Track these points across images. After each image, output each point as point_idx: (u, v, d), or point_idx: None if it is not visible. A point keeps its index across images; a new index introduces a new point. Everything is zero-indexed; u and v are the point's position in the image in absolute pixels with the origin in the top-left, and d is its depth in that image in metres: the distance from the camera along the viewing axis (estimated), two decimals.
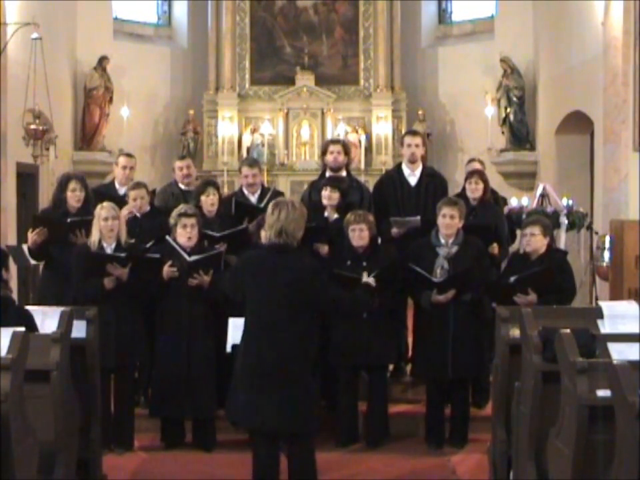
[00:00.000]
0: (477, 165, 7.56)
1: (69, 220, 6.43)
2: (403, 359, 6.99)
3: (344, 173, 7.09)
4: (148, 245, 6.33)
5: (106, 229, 6.00)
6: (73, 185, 6.56)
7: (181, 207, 6.20)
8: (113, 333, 5.89)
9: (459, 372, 6.12)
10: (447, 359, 6.08)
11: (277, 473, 4.93)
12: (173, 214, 6.16)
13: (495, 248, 6.68)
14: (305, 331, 4.81)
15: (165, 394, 6.10)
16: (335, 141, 7.72)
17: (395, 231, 6.68)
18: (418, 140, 7.09)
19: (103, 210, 6.02)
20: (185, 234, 6.07)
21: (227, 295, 5.24)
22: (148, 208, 6.79)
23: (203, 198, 6.63)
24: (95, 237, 6.02)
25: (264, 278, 4.79)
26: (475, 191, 6.88)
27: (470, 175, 7.03)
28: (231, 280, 5.08)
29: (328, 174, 7.05)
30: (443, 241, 6.20)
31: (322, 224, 6.48)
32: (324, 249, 6.39)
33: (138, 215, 6.70)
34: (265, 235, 5.16)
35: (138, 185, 6.84)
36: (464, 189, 6.97)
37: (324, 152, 7.19)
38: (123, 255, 5.96)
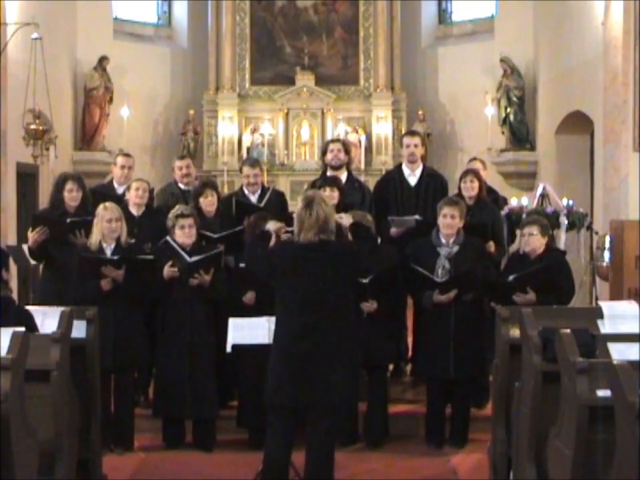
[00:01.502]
0: (477, 165, 7.55)
1: (68, 220, 6.42)
2: (402, 359, 6.99)
3: (345, 173, 7.09)
4: (149, 247, 6.33)
5: (109, 230, 5.99)
6: (69, 185, 6.55)
7: (177, 208, 6.18)
8: (112, 334, 5.88)
9: (461, 372, 6.12)
10: (449, 359, 6.08)
11: (286, 470, 4.87)
12: (169, 215, 6.15)
13: (491, 246, 6.68)
14: (345, 314, 4.84)
15: (167, 394, 6.10)
16: (334, 140, 7.77)
17: (393, 230, 6.69)
18: (417, 140, 7.09)
19: (107, 211, 6.00)
20: (183, 235, 6.07)
21: (252, 270, 5.10)
22: (144, 208, 6.80)
23: (201, 199, 6.66)
24: (95, 237, 6.01)
25: (305, 268, 4.72)
26: (469, 189, 6.87)
27: (465, 174, 7.01)
28: (263, 260, 4.95)
29: (329, 173, 7.05)
30: (443, 240, 6.20)
31: None
32: None
33: (136, 213, 6.71)
34: (295, 232, 4.99)
35: (140, 179, 6.95)
36: (460, 189, 6.96)
37: (324, 152, 7.20)
38: (115, 257, 5.94)
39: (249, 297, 6.15)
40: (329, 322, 4.74)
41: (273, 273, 4.88)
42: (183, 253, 6.04)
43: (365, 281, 5.95)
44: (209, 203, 6.65)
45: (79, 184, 6.60)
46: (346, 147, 7.22)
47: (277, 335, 4.89)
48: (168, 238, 6.16)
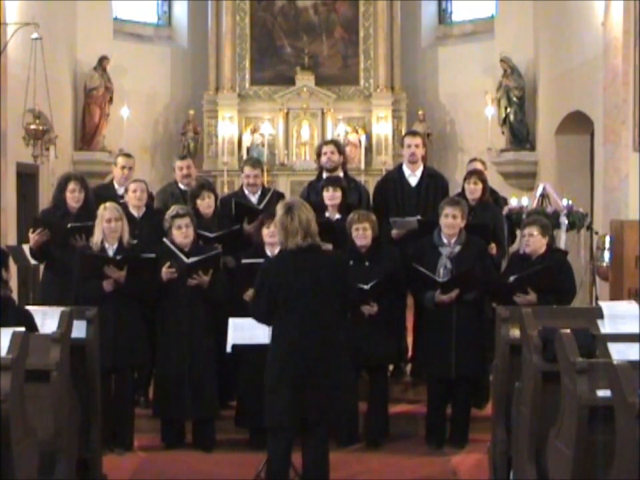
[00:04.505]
0: (478, 165, 7.55)
1: (69, 225, 6.41)
2: (402, 359, 6.99)
3: (341, 173, 7.08)
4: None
5: (109, 230, 5.99)
6: (72, 185, 6.56)
7: (173, 209, 6.18)
8: (111, 334, 5.87)
9: (462, 371, 6.12)
10: (450, 359, 6.08)
11: (288, 472, 4.91)
12: (166, 217, 6.15)
13: (492, 248, 6.68)
14: (340, 324, 4.83)
15: (167, 395, 6.10)
16: (327, 142, 7.71)
17: (394, 232, 6.68)
18: (418, 140, 7.08)
19: (107, 211, 6.00)
20: (180, 235, 6.06)
21: (262, 321, 5.01)
22: (144, 209, 6.79)
23: (198, 201, 6.65)
24: (97, 237, 6.01)
25: (299, 277, 4.71)
26: (473, 191, 6.88)
27: (469, 175, 7.03)
28: (260, 298, 4.87)
29: (325, 175, 7.04)
30: (445, 240, 6.20)
31: (328, 223, 6.47)
32: (327, 247, 6.37)
33: (136, 214, 6.71)
34: (279, 241, 4.98)
35: (137, 179, 6.93)
36: (463, 189, 6.98)
37: (318, 154, 7.20)
38: (118, 257, 5.94)
39: (250, 294, 6.13)
40: (325, 333, 4.72)
41: (270, 294, 4.76)
42: (180, 255, 6.03)
43: (366, 287, 5.96)
44: (206, 204, 6.64)
45: (82, 184, 6.60)
46: (339, 147, 7.20)
47: (276, 353, 4.80)
48: (165, 239, 6.15)
